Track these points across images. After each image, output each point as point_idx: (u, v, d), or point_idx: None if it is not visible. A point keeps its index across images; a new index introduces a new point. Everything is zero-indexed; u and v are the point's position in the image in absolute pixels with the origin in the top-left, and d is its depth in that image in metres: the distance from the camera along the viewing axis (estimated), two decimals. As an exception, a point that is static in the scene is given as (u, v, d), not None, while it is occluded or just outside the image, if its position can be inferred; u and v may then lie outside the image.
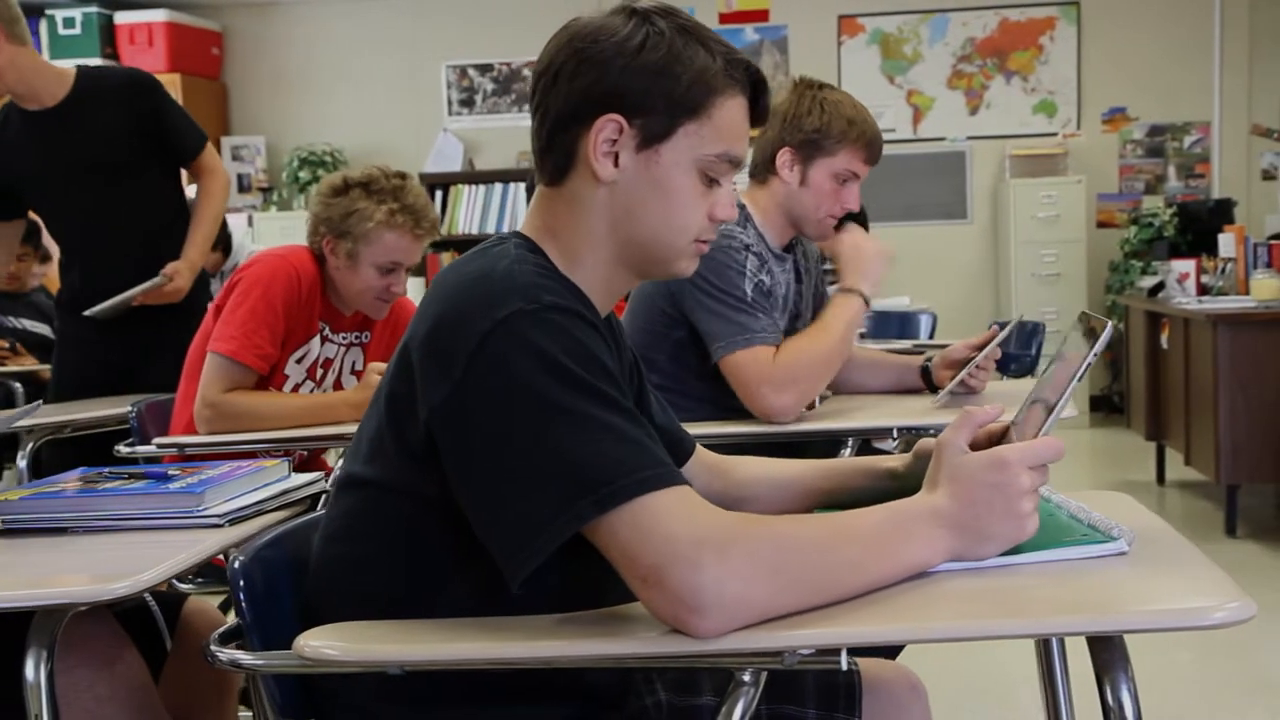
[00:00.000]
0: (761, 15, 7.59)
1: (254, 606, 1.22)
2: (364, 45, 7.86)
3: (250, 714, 1.70)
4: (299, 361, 2.58)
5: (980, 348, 2.37)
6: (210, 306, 2.61)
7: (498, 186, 7.63)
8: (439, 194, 7.68)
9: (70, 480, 1.63)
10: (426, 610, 1.17)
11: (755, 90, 1.26)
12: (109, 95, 3.38)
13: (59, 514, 1.51)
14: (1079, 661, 2.22)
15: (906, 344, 3.74)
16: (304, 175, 7.63)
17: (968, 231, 7.45)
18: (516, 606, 1.14)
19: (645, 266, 1.29)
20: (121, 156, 3.37)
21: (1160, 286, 5.17)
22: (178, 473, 1.59)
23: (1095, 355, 1.14)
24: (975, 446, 1.17)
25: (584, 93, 1.21)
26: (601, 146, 1.22)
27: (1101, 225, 7.28)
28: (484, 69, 7.83)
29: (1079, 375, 1.14)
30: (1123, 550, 1.13)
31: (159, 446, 2.45)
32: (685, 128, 1.22)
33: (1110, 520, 1.19)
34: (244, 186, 7.84)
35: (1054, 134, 7.30)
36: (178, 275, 3.34)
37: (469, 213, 7.65)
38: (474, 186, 7.65)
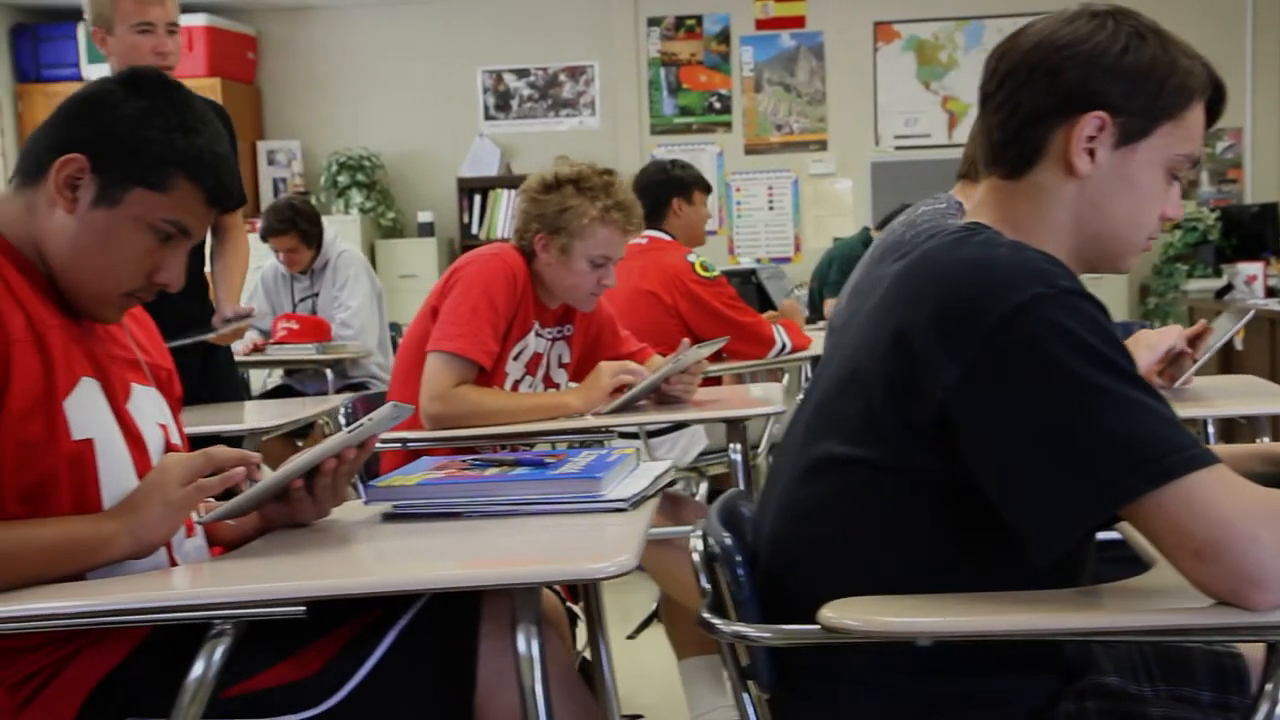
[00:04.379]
0: (798, 22, 7.68)
1: (753, 581, 1.27)
2: (398, 49, 7.88)
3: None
4: (516, 359, 2.63)
5: (1191, 340, 2.44)
6: (424, 307, 2.65)
7: (537, 191, 7.66)
8: (477, 198, 7.72)
9: (430, 469, 1.67)
10: (916, 587, 1.22)
11: (1215, 93, 1.34)
12: None
13: (454, 499, 1.55)
14: None
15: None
16: (343, 179, 7.62)
17: (1002, 235, 7.56)
18: (1005, 585, 1.20)
19: (1096, 261, 1.36)
20: None
21: (1228, 288, 5.31)
22: (553, 460, 1.64)
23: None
24: None
25: (1067, 90, 1.29)
26: (1082, 142, 1.29)
27: (1134, 229, 7.43)
28: (520, 73, 7.87)
29: None
30: None
31: (381, 442, 2.49)
32: (1163, 128, 1.30)
33: None
34: (279, 190, 7.82)
35: (1087, 139, 7.44)
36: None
37: (507, 217, 7.67)
38: (512, 191, 7.68)
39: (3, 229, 1.47)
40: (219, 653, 1.28)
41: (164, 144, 1.45)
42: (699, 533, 1.38)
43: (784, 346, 3.86)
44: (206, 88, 7.38)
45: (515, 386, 2.65)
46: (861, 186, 7.65)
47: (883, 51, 7.61)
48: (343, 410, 2.69)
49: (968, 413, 1.18)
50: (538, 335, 2.68)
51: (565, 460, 1.64)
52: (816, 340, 4.16)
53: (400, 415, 1.52)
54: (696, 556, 1.35)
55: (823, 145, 7.70)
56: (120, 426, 1.49)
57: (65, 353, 1.44)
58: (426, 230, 7.71)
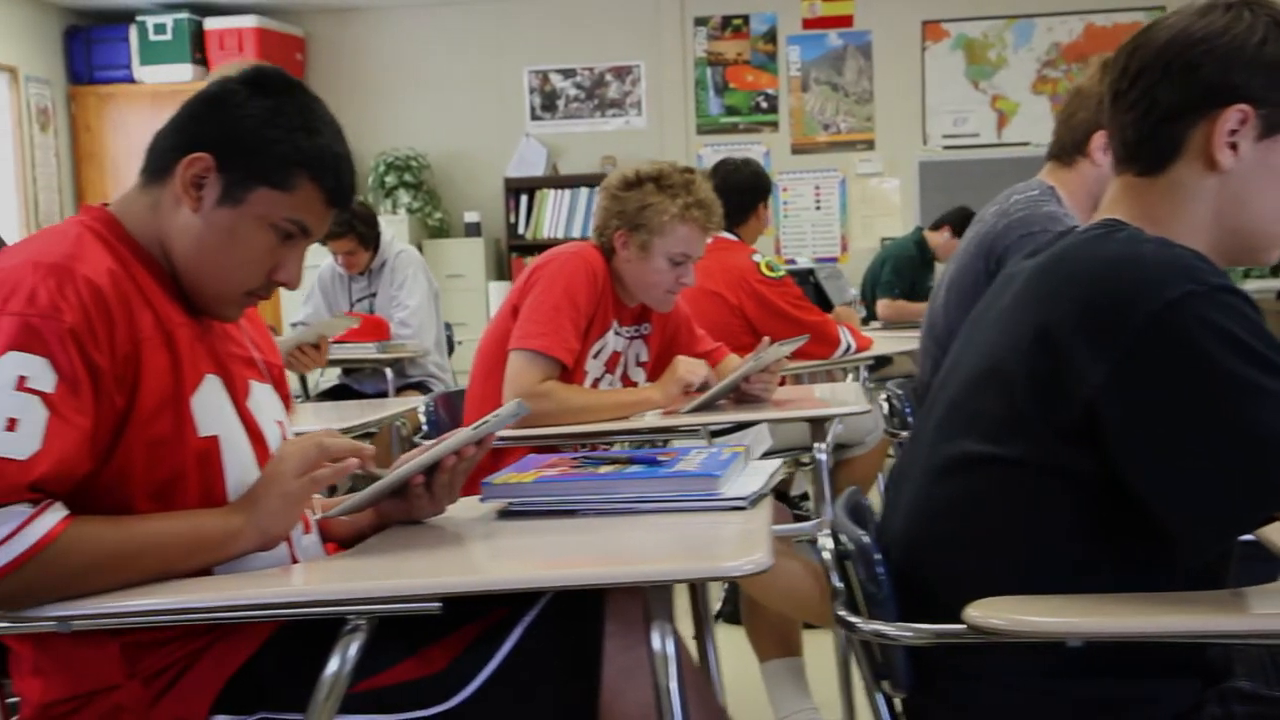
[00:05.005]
0: (845, 21, 7.65)
1: (893, 579, 1.27)
2: (445, 50, 7.90)
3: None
4: (596, 356, 2.63)
5: None
6: (504, 306, 2.66)
7: (583, 191, 7.66)
8: (523, 198, 7.73)
9: (541, 467, 1.67)
10: (1057, 587, 1.21)
11: None
12: None
13: (571, 497, 1.55)
14: None
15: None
16: (390, 180, 7.65)
17: (1051, 235, 7.51)
18: (1149, 586, 1.19)
19: (1237, 254, 1.34)
20: None
21: (1289, 287, 5.25)
22: (666, 458, 1.63)
23: None
24: None
25: (1206, 85, 1.27)
26: (1225, 136, 1.28)
27: (1186, 228, 7.37)
28: (567, 73, 7.88)
29: None
30: None
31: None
32: None
33: None
34: (327, 191, 7.83)
35: (1139, 138, 7.37)
36: None
37: (554, 217, 7.69)
38: (559, 191, 7.69)
39: (129, 227, 1.48)
40: (353, 648, 1.28)
41: (288, 144, 1.45)
42: (827, 531, 1.37)
43: (849, 347, 3.85)
44: (256, 89, 7.42)
45: (595, 384, 2.66)
46: (909, 186, 7.62)
47: (931, 50, 7.57)
48: (423, 410, 2.70)
49: (1117, 412, 1.16)
50: (616, 334, 2.69)
51: (678, 458, 1.63)
52: (877, 341, 4.16)
53: (520, 413, 1.52)
54: (827, 555, 1.34)
55: (870, 145, 7.68)
56: (242, 423, 1.50)
57: (191, 350, 1.45)
58: (473, 230, 7.72)
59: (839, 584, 1.32)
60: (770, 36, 7.71)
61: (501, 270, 7.80)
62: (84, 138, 7.54)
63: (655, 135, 7.80)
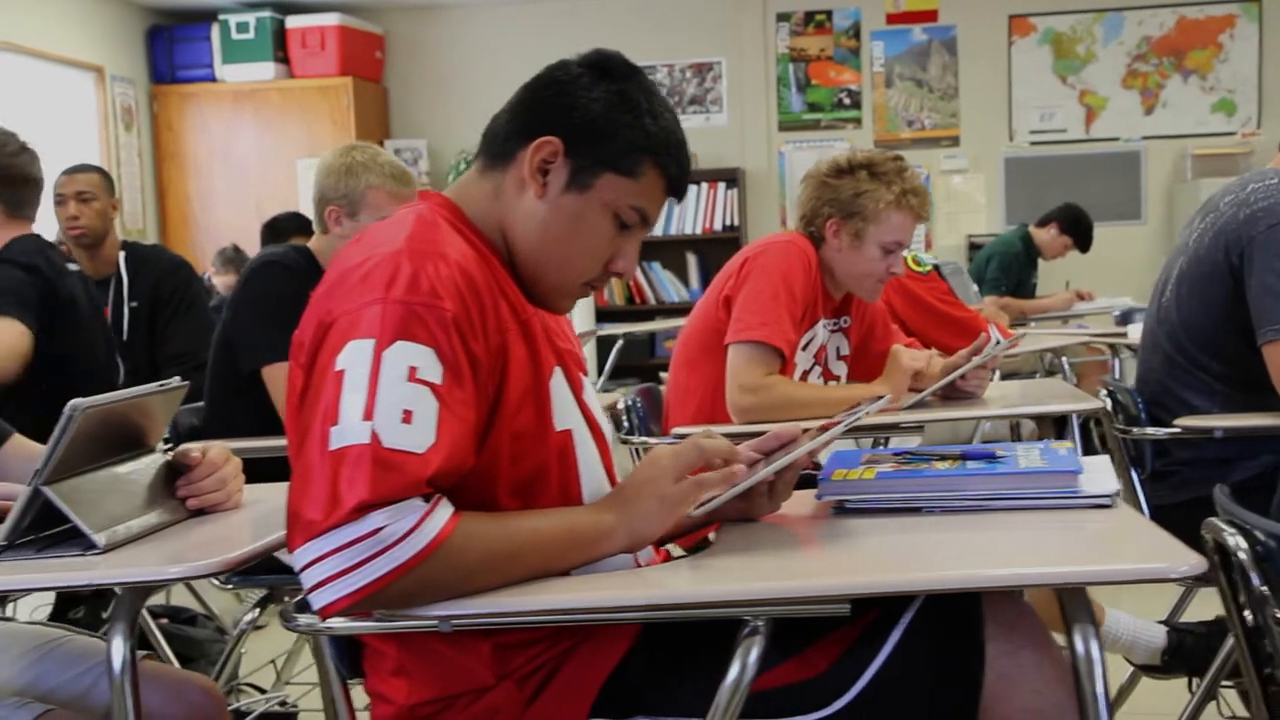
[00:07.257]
0: (930, 15, 7.57)
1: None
2: (524, 47, 7.83)
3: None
4: (805, 348, 2.57)
5: None
6: (713, 295, 2.59)
7: (665, 188, 7.59)
8: (604, 196, 7.67)
9: (865, 462, 1.61)
10: None
11: None
12: None
13: (918, 494, 1.49)
14: None
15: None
16: (471, 178, 7.60)
17: (1141, 232, 7.42)
18: None
19: None
20: None
21: None
22: (1003, 453, 1.57)
23: None
24: None
25: None
26: None
27: (1281, 224, 7.26)
28: (647, 70, 7.80)
29: None
30: None
31: (676, 437, 2.44)
32: None
33: None
34: (406, 189, 7.79)
35: (1232, 133, 7.28)
36: None
37: (636, 215, 7.62)
38: (640, 188, 7.62)
39: (470, 214, 1.43)
40: (754, 653, 1.23)
41: (636, 129, 1.40)
42: (1233, 531, 1.31)
43: (997, 343, 3.78)
44: (338, 87, 7.40)
45: (804, 377, 2.59)
46: (995, 183, 7.53)
47: (1018, 45, 7.48)
48: (623, 403, 2.65)
49: None
50: (823, 325, 2.62)
51: (1013, 454, 1.57)
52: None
53: (879, 405, 1.47)
54: (1244, 555, 1.28)
55: (955, 141, 7.59)
56: (584, 418, 1.45)
57: (542, 341, 1.40)
58: (555, 228, 7.66)
59: (1263, 587, 1.25)
60: (854, 32, 7.63)
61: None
62: (165, 137, 7.52)
63: (736, 132, 7.74)
